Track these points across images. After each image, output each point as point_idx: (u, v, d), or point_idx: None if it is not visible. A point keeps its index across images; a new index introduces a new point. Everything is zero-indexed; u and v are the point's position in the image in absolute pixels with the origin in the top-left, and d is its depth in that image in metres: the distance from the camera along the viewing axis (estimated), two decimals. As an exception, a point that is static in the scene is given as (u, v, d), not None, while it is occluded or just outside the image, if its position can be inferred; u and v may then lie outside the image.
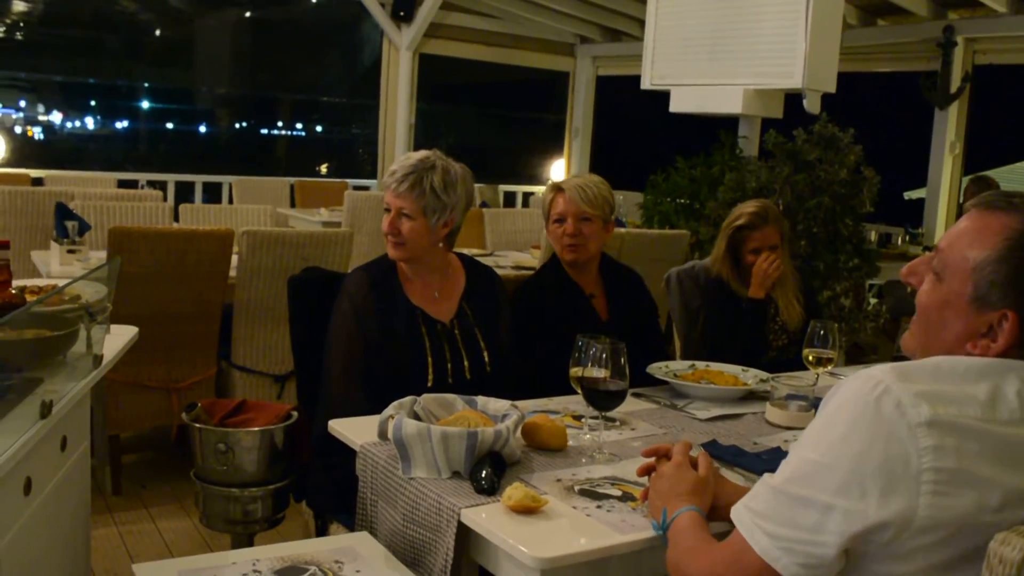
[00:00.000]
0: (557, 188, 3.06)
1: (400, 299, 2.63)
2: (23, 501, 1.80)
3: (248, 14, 11.24)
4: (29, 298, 2.66)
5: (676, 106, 5.97)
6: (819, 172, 5.43)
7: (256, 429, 2.36)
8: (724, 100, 5.62)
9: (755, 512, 1.39)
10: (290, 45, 11.30)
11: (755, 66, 5.48)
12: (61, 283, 3.06)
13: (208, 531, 3.48)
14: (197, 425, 2.35)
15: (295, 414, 2.48)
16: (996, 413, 1.31)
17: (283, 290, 3.98)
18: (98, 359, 2.20)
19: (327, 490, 2.53)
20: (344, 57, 11.63)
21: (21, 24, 9.42)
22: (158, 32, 11.33)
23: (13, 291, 2.59)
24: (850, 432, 1.31)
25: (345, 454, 2.26)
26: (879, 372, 1.33)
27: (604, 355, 2.13)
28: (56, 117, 11.24)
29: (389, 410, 2.09)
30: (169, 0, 10.29)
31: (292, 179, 8.41)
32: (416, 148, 9.15)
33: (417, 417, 2.12)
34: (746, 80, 5.50)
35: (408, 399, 2.16)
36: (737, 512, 1.43)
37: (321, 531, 2.55)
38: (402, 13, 8.98)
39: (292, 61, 11.49)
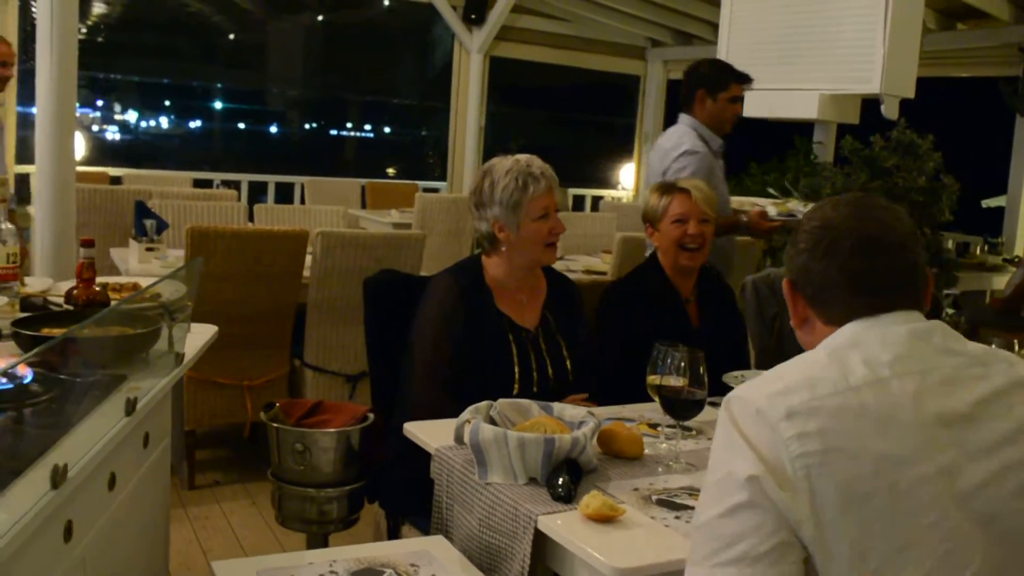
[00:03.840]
0: (675, 188, 3.01)
1: (489, 305, 2.62)
2: (108, 496, 1.83)
3: (320, 17, 11.36)
4: (111, 295, 2.72)
5: (749, 111, 5.87)
6: (897, 179, 5.33)
7: (333, 430, 2.37)
8: (799, 105, 5.53)
9: (691, 561, 1.37)
10: (362, 48, 11.40)
11: (831, 71, 5.38)
12: (141, 280, 3.13)
13: (279, 528, 3.51)
14: (275, 425, 2.37)
15: (371, 416, 2.49)
16: (848, 382, 1.34)
17: (356, 291, 4.02)
18: (179, 357, 2.23)
19: (401, 491, 2.53)
20: (415, 60, 11.71)
21: (100, 26, 9.63)
22: (232, 35, 11.51)
23: (97, 288, 2.65)
24: (725, 447, 1.36)
25: (420, 457, 2.26)
26: (730, 395, 1.39)
27: (683, 363, 2.11)
28: (131, 116, 11.48)
29: (466, 414, 2.09)
30: (242, 4, 10.44)
31: (363, 180, 8.48)
32: (486, 151, 9.23)
33: (493, 422, 2.12)
34: (822, 85, 5.40)
35: (484, 404, 2.16)
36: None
37: (393, 532, 2.56)
38: (473, 16, 9.02)
39: (363, 63, 11.59)
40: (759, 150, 6.60)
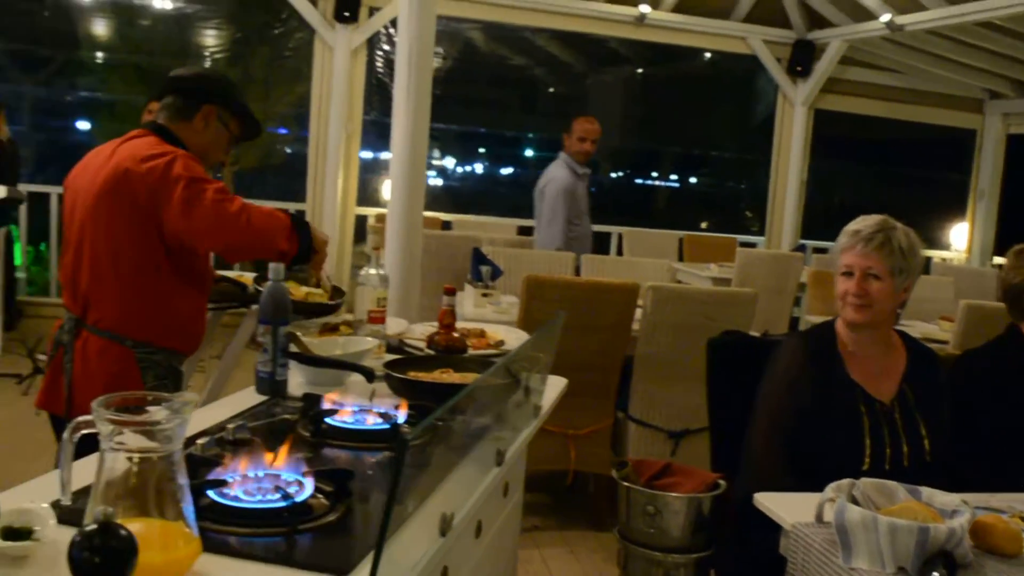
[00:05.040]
0: None
1: (840, 373, 2.53)
2: (474, 544, 1.89)
3: (640, 70, 11.52)
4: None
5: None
6: None
7: (685, 495, 2.35)
8: None
9: None
10: (680, 100, 11.45)
11: None
12: (485, 327, 3.25)
13: (600, 581, 3.53)
14: (626, 484, 2.38)
15: (723, 483, 2.44)
16: None
17: (684, 346, 4.01)
18: (537, 409, 2.29)
19: (742, 563, 2.47)
20: (734, 112, 11.62)
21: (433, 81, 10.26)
22: (551, 88, 11.89)
23: (456, 335, 2.78)
24: None
25: (763, 528, 2.19)
26: None
27: (1075, 457, 1.93)
28: (449, 163, 12.14)
29: (828, 492, 2.00)
30: (564, 58, 10.78)
31: (680, 232, 8.47)
32: (807, 206, 8.99)
33: (856, 502, 2.02)
34: None
35: (846, 482, 2.06)
36: None
37: (729, 603, 2.50)
38: (799, 68, 8.87)
39: (681, 115, 11.63)
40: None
